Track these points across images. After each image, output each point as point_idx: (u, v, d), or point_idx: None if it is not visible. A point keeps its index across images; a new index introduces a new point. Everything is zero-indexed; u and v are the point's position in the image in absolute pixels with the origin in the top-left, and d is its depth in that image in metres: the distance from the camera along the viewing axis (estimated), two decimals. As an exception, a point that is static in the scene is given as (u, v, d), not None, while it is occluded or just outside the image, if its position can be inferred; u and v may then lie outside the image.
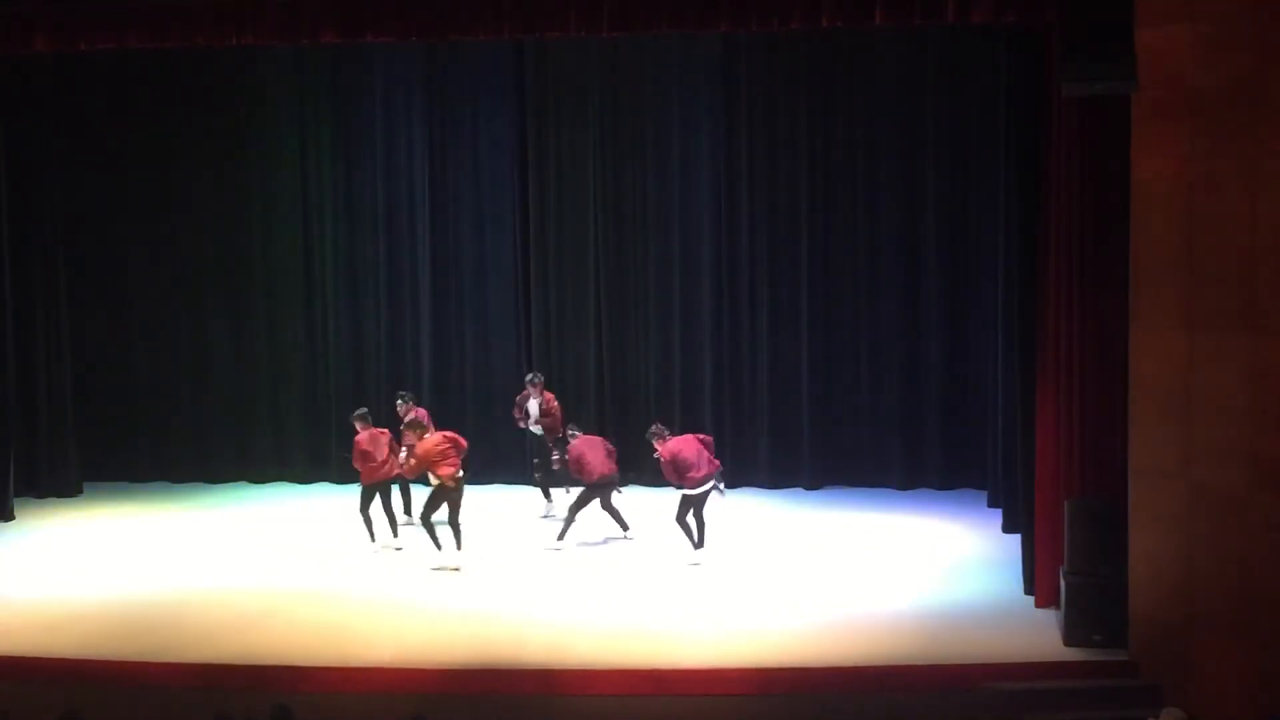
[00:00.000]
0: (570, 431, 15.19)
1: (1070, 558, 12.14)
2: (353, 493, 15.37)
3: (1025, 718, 11.13)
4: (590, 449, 14.82)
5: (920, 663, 11.90)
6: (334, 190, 17.56)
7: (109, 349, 17.81)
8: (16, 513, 16.37)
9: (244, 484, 17.75)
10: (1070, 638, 12.07)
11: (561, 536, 14.80)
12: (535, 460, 16.37)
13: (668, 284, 17.20)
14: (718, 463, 14.53)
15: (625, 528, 15.09)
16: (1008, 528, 14.69)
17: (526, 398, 16.16)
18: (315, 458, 17.49)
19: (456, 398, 17.49)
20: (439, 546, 14.29)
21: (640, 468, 15.92)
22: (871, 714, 11.27)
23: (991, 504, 15.89)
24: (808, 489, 17.03)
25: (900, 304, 16.88)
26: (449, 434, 14.56)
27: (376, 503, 14.92)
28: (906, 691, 11.57)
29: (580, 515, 14.84)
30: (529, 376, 16.23)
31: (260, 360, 17.78)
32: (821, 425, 17.03)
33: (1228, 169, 11.23)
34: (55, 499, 17.10)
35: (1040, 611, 12.77)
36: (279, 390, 17.79)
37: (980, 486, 16.43)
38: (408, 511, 15.67)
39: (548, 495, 16.19)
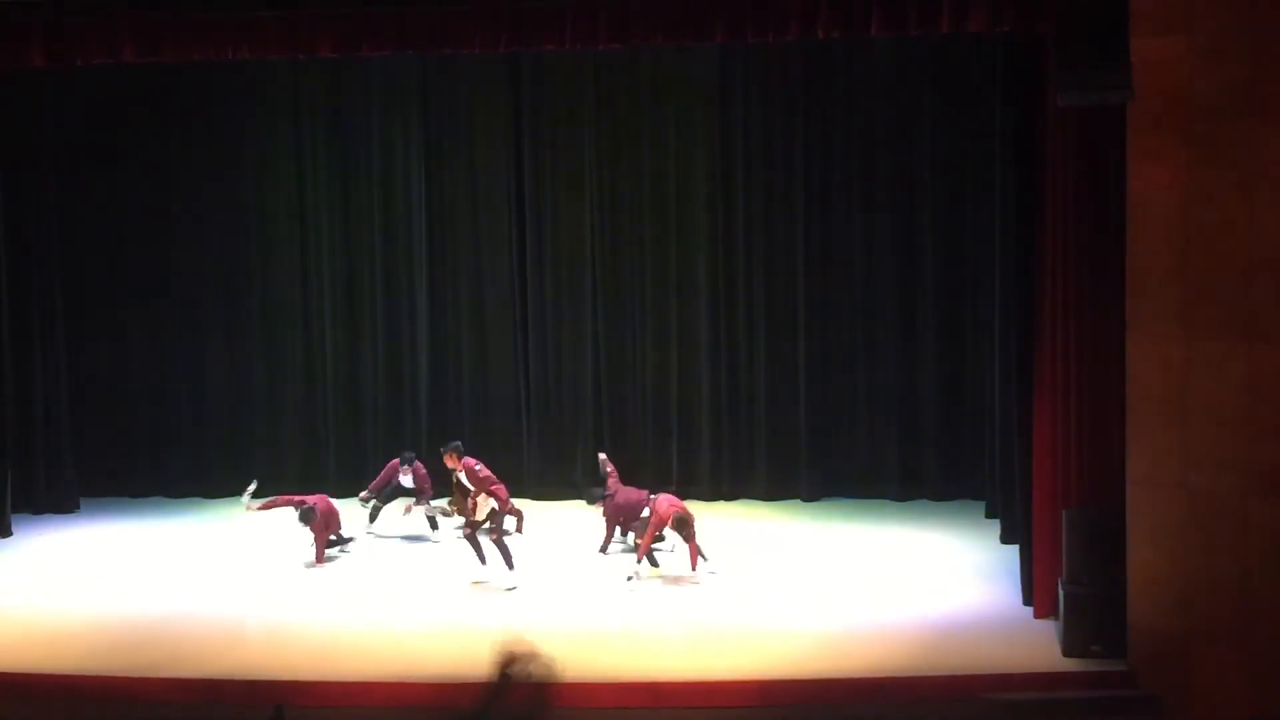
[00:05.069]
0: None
1: (1069, 568, 12.12)
2: (349, 505, 15.44)
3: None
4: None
5: (919, 674, 11.89)
6: (330, 205, 17.47)
7: (106, 364, 17.73)
8: (14, 529, 16.30)
9: (241, 498, 17.69)
10: (1069, 648, 12.06)
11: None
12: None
13: (664, 296, 17.15)
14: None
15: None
16: (1006, 538, 14.67)
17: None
18: (311, 472, 17.43)
19: (454, 410, 17.44)
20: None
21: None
22: (870, 725, 11.28)
23: (990, 514, 15.84)
24: (806, 500, 16.99)
25: (897, 314, 16.83)
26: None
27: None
28: (905, 702, 11.56)
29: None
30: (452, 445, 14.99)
31: (257, 374, 17.71)
32: (819, 436, 17.01)
33: (1224, 178, 11.24)
34: (52, 515, 17.03)
35: (1039, 622, 12.75)
36: (276, 405, 17.72)
37: (978, 497, 16.37)
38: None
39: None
